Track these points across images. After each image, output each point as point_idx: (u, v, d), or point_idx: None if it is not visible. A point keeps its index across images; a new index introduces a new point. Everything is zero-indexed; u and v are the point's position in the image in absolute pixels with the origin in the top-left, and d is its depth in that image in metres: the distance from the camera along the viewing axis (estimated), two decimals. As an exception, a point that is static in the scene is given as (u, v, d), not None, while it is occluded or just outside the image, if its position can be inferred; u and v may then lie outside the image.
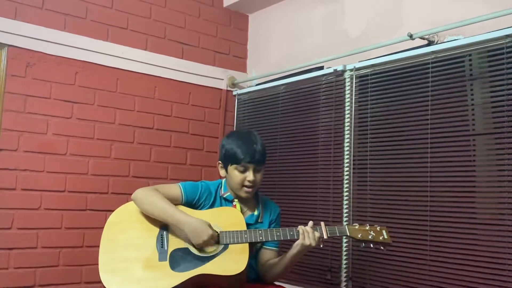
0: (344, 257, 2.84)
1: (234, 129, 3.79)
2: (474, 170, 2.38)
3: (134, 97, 3.32)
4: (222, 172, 2.27)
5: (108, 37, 3.23)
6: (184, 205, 2.16)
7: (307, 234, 2.04)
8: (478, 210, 2.34)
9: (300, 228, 2.07)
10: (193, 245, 2.06)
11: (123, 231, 2.10)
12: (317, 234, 2.06)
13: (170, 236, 2.09)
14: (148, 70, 3.38)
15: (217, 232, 2.05)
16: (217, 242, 2.05)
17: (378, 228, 2.14)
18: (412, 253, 2.52)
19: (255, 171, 2.17)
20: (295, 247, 2.08)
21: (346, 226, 2.14)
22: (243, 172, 2.16)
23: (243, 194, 2.20)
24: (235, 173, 2.17)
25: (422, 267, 2.48)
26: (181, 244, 2.07)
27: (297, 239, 2.07)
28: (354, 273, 2.79)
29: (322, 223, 2.11)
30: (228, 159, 2.19)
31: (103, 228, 2.10)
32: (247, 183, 2.17)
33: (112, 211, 2.17)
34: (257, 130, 3.50)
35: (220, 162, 2.27)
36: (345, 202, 2.88)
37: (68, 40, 3.05)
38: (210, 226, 2.03)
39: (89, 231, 3.05)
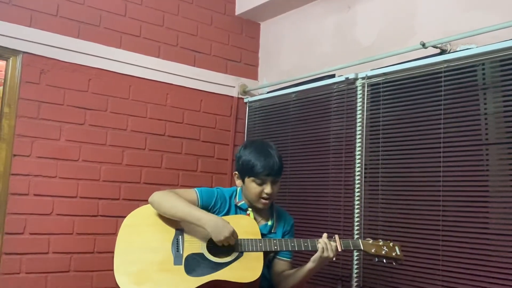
0: (355, 267, 2.82)
1: (245, 136, 3.80)
2: (487, 179, 2.36)
3: (146, 104, 3.34)
4: (238, 182, 2.27)
5: (121, 44, 3.26)
6: None
7: (326, 246, 2.04)
8: (491, 220, 2.32)
9: (321, 241, 2.06)
10: (208, 251, 2.07)
11: (139, 233, 2.11)
12: (333, 244, 2.06)
13: (185, 240, 2.10)
14: (160, 78, 3.41)
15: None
16: (232, 249, 2.06)
17: (391, 244, 2.16)
18: (424, 262, 2.50)
19: (272, 183, 2.18)
20: (315, 261, 2.07)
21: (360, 241, 2.15)
22: (260, 184, 2.16)
23: (260, 206, 2.21)
24: (252, 185, 2.17)
25: (434, 277, 2.45)
26: (197, 249, 2.08)
27: (311, 250, 2.07)
28: (365, 282, 2.77)
29: (337, 236, 2.12)
30: (246, 171, 2.18)
31: (114, 234, 2.13)
32: (264, 195, 2.17)
33: (123, 217, 2.18)
34: (268, 138, 3.52)
35: (236, 172, 2.27)
36: (356, 211, 2.87)
37: (82, 47, 3.08)
38: (229, 223, 2.03)
39: (100, 237, 3.06)
